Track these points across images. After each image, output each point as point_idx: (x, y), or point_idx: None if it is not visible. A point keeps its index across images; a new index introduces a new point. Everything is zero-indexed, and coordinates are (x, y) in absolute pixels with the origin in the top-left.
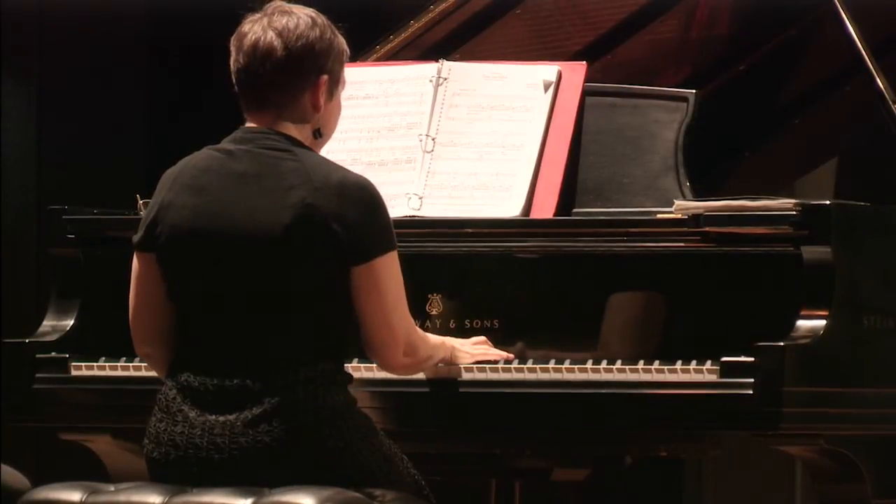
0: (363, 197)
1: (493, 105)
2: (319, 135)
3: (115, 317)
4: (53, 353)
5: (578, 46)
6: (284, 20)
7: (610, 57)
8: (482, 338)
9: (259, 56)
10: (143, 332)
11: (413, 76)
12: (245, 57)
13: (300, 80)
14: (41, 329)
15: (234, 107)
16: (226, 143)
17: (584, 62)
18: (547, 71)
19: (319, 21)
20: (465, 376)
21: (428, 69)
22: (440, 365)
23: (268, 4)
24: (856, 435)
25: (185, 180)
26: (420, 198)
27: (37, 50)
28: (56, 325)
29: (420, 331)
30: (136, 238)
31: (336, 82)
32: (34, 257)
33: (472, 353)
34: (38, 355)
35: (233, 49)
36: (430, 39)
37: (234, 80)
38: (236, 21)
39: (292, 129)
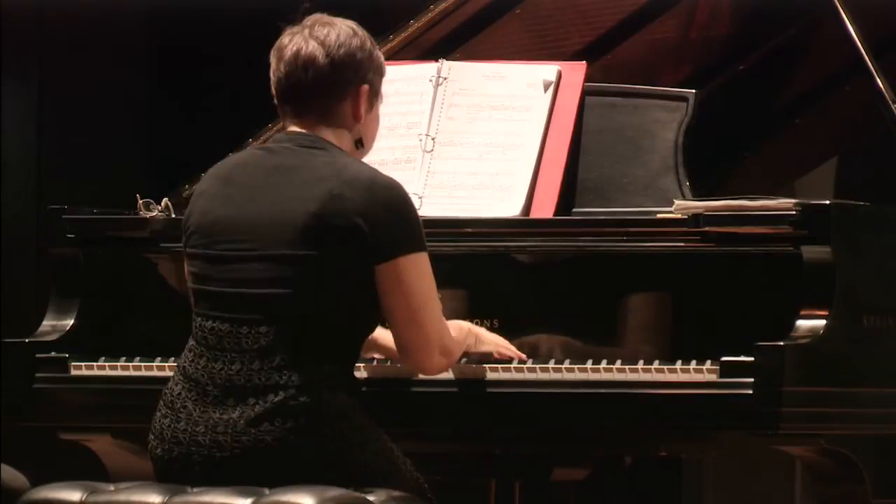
0: (392, 196)
1: (493, 105)
2: (361, 145)
3: (115, 317)
4: (53, 353)
5: (578, 46)
6: (325, 30)
7: (610, 57)
8: (499, 337)
9: (301, 64)
10: None
11: (413, 76)
12: (286, 66)
13: (341, 87)
14: (41, 329)
15: (233, 107)
16: (268, 143)
17: (584, 62)
18: (547, 71)
19: (360, 32)
20: (466, 376)
21: (428, 69)
22: (461, 365)
23: (307, 17)
24: (856, 435)
25: (221, 172)
26: (420, 197)
27: (37, 50)
28: (56, 325)
29: (450, 331)
30: (182, 241)
31: (376, 94)
32: (34, 257)
33: (496, 341)
34: (38, 355)
35: (273, 60)
36: (430, 39)
37: (274, 92)
38: (236, 21)
39: (332, 137)
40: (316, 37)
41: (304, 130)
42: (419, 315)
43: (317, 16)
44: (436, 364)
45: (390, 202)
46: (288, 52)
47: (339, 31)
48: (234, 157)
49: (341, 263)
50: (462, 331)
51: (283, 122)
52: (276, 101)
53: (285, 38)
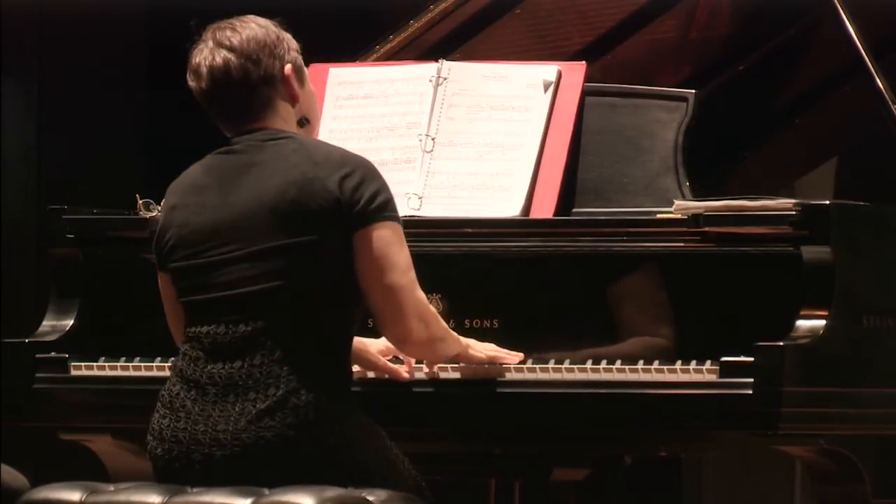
0: (363, 170)
1: (493, 105)
2: (306, 121)
3: (115, 317)
4: (53, 353)
5: (578, 46)
6: (227, 34)
7: (610, 57)
8: (492, 345)
9: (219, 74)
10: (181, 335)
11: (413, 76)
12: (206, 82)
13: (266, 76)
14: (41, 329)
15: None
16: (226, 147)
17: (584, 62)
18: (547, 71)
19: (260, 20)
20: (464, 376)
21: (428, 69)
22: (461, 365)
23: (205, 30)
24: (856, 435)
25: (188, 182)
26: (420, 198)
27: (37, 50)
28: (56, 325)
29: (434, 310)
30: (155, 257)
31: (300, 68)
32: (34, 257)
33: (486, 352)
34: (38, 355)
35: (192, 82)
36: (430, 39)
37: (206, 110)
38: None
39: (281, 125)
40: (220, 43)
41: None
42: (389, 276)
43: (213, 25)
44: (414, 330)
45: (363, 174)
46: (203, 69)
47: (240, 28)
48: (195, 166)
49: (326, 244)
50: (452, 334)
51: (228, 134)
52: (212, 118)
53: (195, 58)
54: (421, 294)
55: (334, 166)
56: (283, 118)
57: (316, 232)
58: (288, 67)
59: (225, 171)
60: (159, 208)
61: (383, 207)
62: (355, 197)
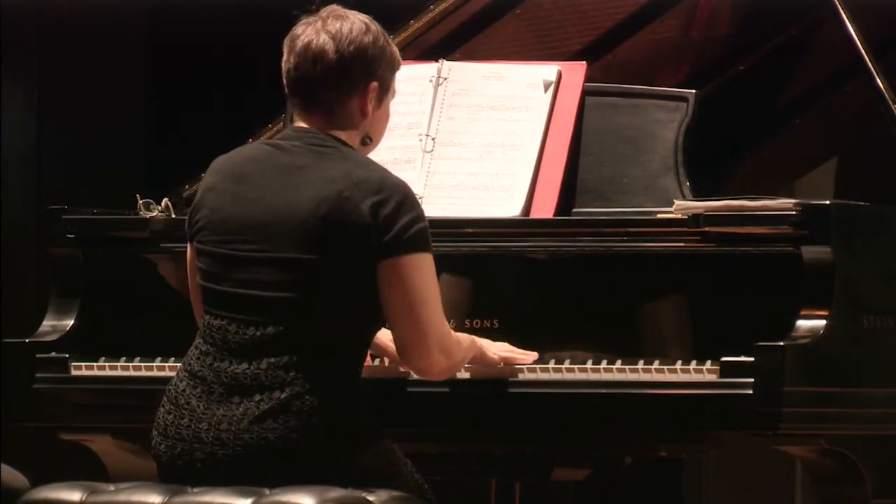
0: (399, 197)
1: (493, 105)
2: (368, 140)
3: (115, 317)
4: (53, 353)
5: (578, 46)
6: (338, 24)
7: (610, 57)
8: (506, 344)
9: (310, 58)
10: (201, 316)
11: (413, 76)
12: (296, 58)
13: (350, 84)
14: (41, 329)
15: (234, 106)
16: (277, 139)
17: (584, 62)
18: (547, 71)
19: (373, 27)
20: (465, 376)
21: (428, 69)
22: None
23: (323, 8)
24: (856, 435)
25: (231, 167)
26: (420, 197)
27: (37, 50)
28: (56, 325)
29: (454, 334)
30: (186, 228)
31: (386, 90)
32: (34, 257)
33: (501, 353)
34: (38, 355)
35: (285, 50)
36: (430, 39)
37: (284, 82)
38: (237, 21)
39: (341, 133)
40: (328, 30)
41: (312, 127)
42: (417, 310)
43: (332, 7)
44: (435, 363)
45: (399, 201)
46: (299, 44)
47: (352, 25)
48: (243, 150)
49: (349, 266)
50: (466, 341)
51: (291, 115)
52: (286, 90)
53: (298, 28)
54: (446, 326)
55: (370, 190)
56: (345, 129)
57: (342, 252)
58: (373, 84)
59: (267, 167)
60: (160, 208)
61: (416, 238)
62: (387, 226)
